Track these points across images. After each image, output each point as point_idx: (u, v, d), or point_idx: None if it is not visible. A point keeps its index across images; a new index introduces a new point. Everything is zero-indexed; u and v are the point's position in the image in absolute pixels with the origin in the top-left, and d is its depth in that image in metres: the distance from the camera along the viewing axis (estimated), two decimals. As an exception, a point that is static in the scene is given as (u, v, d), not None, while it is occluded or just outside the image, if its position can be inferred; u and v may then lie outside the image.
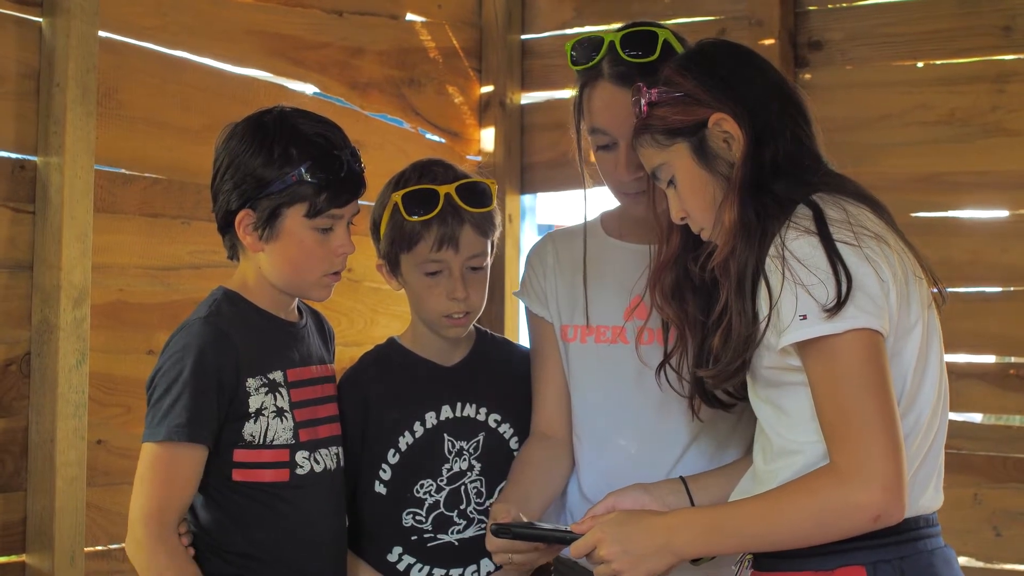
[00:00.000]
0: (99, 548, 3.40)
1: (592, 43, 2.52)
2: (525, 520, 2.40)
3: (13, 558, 3.23)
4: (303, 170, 2.42)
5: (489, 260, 2.70)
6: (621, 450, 2.63)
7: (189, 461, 2.40)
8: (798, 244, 2.10)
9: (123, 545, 3.38)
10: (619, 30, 2.52)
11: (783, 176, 2.21)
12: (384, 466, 2.65)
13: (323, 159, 2.44)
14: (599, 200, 2.72)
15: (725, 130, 2.22)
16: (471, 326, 2.73)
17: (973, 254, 4.07)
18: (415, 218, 2.60)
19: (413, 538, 2.63)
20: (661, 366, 2.49)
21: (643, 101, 2.29)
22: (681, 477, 2.52)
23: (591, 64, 2.52)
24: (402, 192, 2.62)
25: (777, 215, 2.16)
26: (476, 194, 2.63)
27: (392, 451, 2.65)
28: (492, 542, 2.39)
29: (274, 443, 2.47)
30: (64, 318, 3.21)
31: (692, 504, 2.47)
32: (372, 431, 2.65)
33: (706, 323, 2.38)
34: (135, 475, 2.43)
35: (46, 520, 3.20)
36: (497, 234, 2.71)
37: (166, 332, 3.46)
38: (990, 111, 4.06)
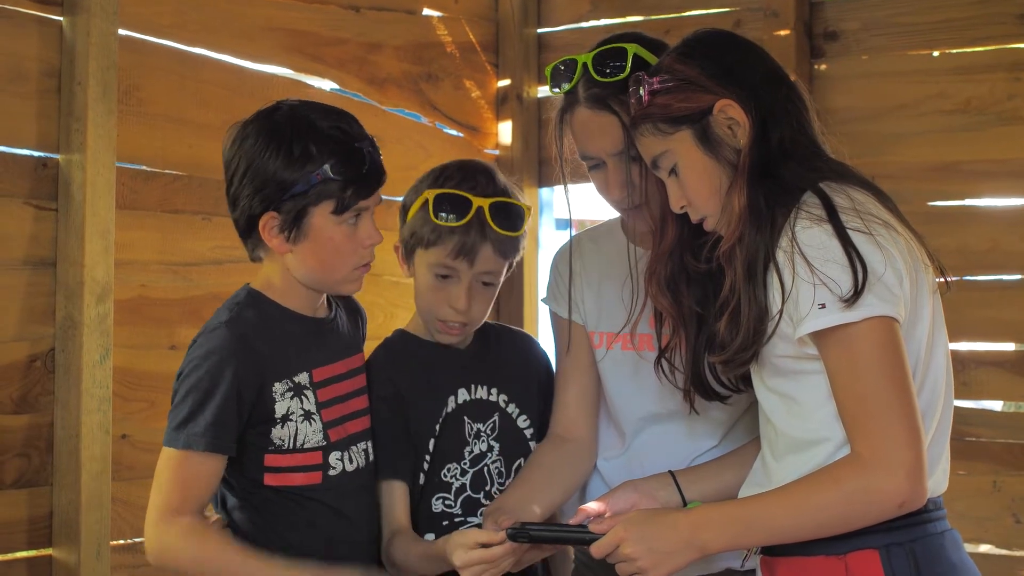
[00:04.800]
0: (124, 542, 3.43)
1: (567, 67, 2.54)
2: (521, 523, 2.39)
3: (40, 552, 3.26)
4: (327, 168, 2.37)
5: (502, 278, 2.68)
6: (653, 453, 2.65)
7: (207, 468, 2.39)
8: (811, 233, 2.10)
9: (147, 539, 3.43)
10: (592, 50, 2.53)
11: (789, 161, 2.22)
12: (427, 456, 2.64)
13: (345, 154, 2.40)
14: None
15: (730, 116, 2.23)
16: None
17: (991, 242, 4.07)
18: (441, 221, 2.58)
19: (444, 523, 2.63)
20: (658, 359, 2.51)
21: (644, 90, 2.29)
22: (670, 471, 2.54)
23: (568, 88, 2.54)
24: (437, 191, 2.60)
25: (785, 202, 2.17)
26: (508, 216, 2.61)
27: (432, 440, 2.65)
28: (461, 557, 2.36)
29: (305, 447, 2.46)
30: (87, 314, 3.24)
31: (682, 498, 2.49)
32: (415, 424, 2.64)
33: (702, 315, 2.39)
34: (154, 472, 2.44)
35: (72, 514, 3.23)
36: (517, 258, 2.69)
37: (188, 327, 3.53)
38: (1006, 99, 4.05)
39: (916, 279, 2.16)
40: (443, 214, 2.57)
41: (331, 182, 2.38)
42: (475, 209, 2.57)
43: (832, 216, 2.11)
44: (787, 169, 2.21)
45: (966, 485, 4.00)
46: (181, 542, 2.38)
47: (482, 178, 2.64)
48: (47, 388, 3.26)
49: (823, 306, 2.07)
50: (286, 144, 2.39)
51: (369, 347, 2.72)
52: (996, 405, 4.50)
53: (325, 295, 2.58)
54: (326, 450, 2.48)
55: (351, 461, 2.52)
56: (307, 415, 2.46)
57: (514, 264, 2.70)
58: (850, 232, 2.09)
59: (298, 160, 2.38)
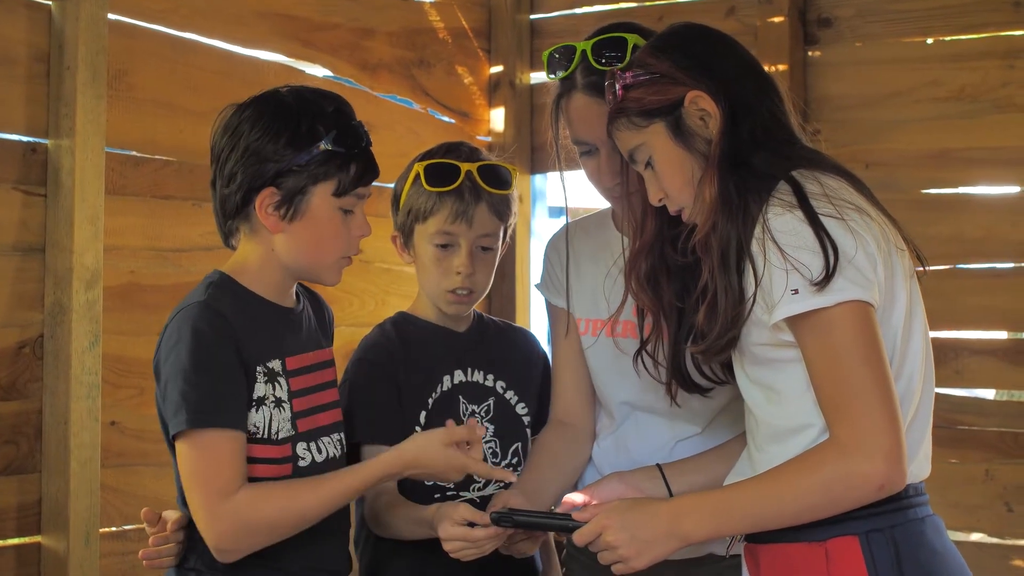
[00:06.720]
0: (113, 529, 3.42)
1: (565, 53, 2.56)
2: (514, 508, 2.40)
3: (29, 539, 3.25)
4: (329, 141, 2.38)
5: (500, 245, 2.76)
6: (638, 437, 2.67)
7: (225, 444, 2.32)
8: (783, 220, 2.11)
9: (137, 526, 3.41)
10: (590, 37, 2.54)
11: (760, 150, 2.23)
12: (417, 428, 2.68)
13: (345, 129, 2.43)
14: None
15: (701, 107, 2.24)
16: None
17: (985, 230, 4.07)
18: (435, 188, 2.67)
19: (436, 496, 2.65)
20: (638, 353, 2.52)
21: (618, 85, 2.31)
22: (657, 464, 2.55)
23: (565, 75, 2.55)
24: (426, 163, 2.70)
25: (757, 189, 2.18)
26: (496, 176, 2.71)
27: (424, 413, 2.69)
28: (445, 530, 2.38)
29: (275, 437, 2.41)
30: (76, 300, 3.23)
31: (669, 491, 2.50)
32: (406, 394, 2.69)
33: (682, 309, 2.40)
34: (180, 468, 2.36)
35: (61, 501, 3.22)
36: (511, 221, 2.77)
37: (178, 314, 3.51)
38: (1000, 87, 4.06)
39: (891, 264, 2.16)
40: (435, 182, 2.67)
41: (332, 158, 2.40)
42: (464, 173, 2.67)
43: (803, 202, 2.12)
44: (759, 158, 2.22)
45: (959, 474, 4.01)
46: (253, 511, 2.31)
47: (466, 149, 2.77)
48: (36, 375, 3.25)
49: (795, 292, 2.08)
50: (293, 122, 2.40)
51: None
52: (988, 393, 4.51)
53: (295, 288, 2.56)
54: (294, 440, 2.44)
55: (320, 451, 2.49)
56: (278, 402, 2.43)
57: (508, 231, 2.77)
58: (821, 217, 2.10)
59: (305, 137, 2.39)
